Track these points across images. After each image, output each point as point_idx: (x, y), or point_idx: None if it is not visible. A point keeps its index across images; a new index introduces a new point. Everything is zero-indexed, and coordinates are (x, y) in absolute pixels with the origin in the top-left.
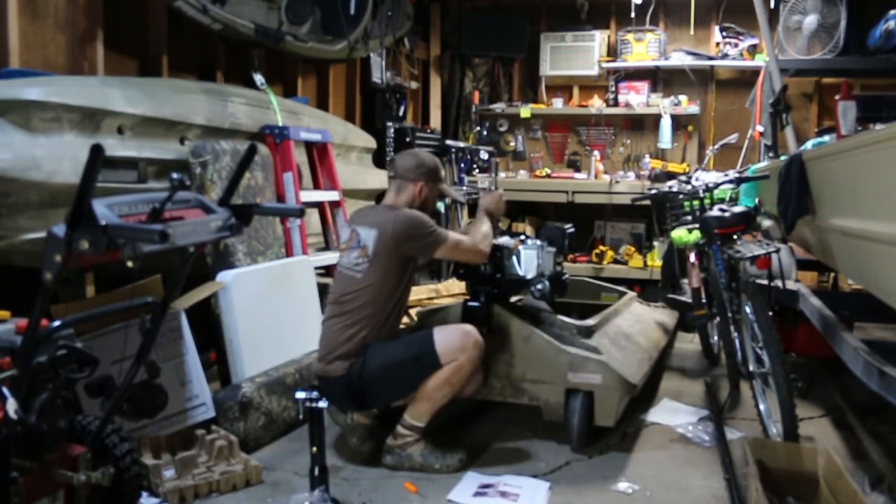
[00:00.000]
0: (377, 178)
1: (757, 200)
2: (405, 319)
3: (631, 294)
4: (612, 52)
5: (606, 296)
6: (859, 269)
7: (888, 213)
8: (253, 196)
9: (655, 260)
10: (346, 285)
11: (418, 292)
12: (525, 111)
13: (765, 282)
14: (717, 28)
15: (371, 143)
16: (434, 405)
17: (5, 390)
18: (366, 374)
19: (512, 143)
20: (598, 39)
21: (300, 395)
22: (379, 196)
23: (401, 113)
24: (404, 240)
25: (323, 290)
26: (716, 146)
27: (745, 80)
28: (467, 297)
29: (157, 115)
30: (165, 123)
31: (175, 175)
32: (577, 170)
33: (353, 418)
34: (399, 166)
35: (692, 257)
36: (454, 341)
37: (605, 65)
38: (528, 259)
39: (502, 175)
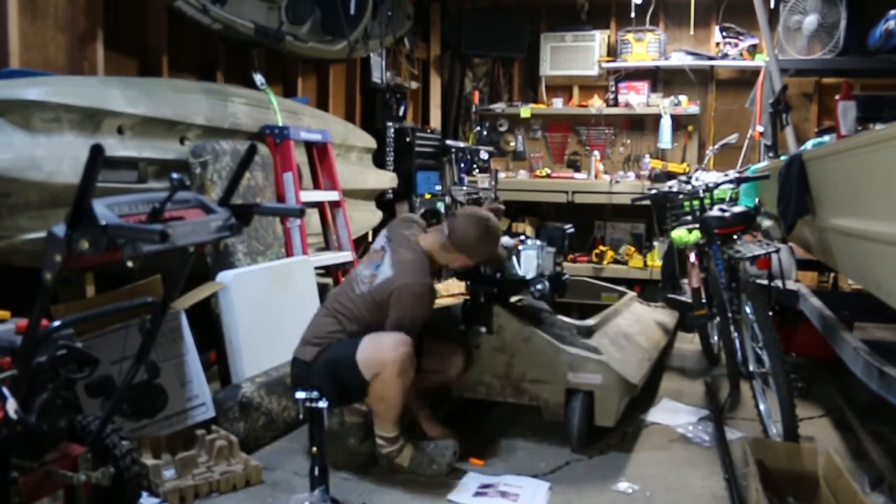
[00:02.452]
0: (377, 179)
1: (757, 200)
2: None
3: (631, 294)
4: (612, 52)
5: (606, 296)
6: (859, 269)
7: (888, 213)
8: (253, 196)
9: (655, 260)
10: (346, 292)
11: None
12: (525, 111)
13: (765, 282)
14: (717, 28)
15: (371, 143)
16: (385, 416)
17: (5, 390)
18: (316, 365)
19: (512, 143)
20: (598, 39)
21: (300, 395)
22: (379, 197)
23: (401, 113)
24: (392, 301)
25: (323, 290)
26: (716, 146)
27: (745, 80)
28: (467, 298)
29: (157, 115)
30: (165, 123)
31: (175, 175)
32: (577, 170)
33: (345, 420)
34: (459, 232)
35: (692, 257)
36: (374, 354)
37: (605, 65)
38: (528, 259)
39: (502, 175)
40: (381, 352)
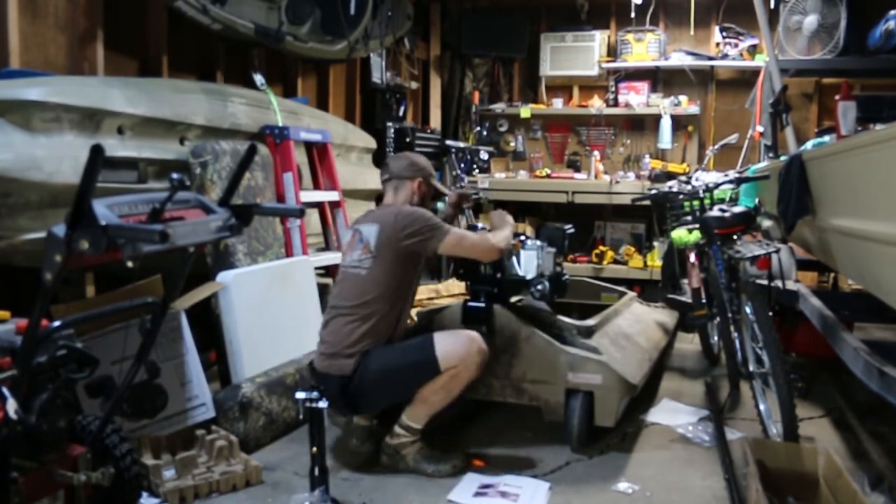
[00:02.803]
0: (377, 179)
1: (757, 200)
2: None
3: (631, 294)
4: (612, 52)
5: (606, 296)
6: (859, 269)
7: (888, 213)
8: (253, 196)
9: (655, 260)
10: (351, 284)
11: (418, 292)
12: (525, 111)
13: (765, 282)
14: (717, 28)
15: (371, 143)
16: (431, 408)
17: (5, 390)
18: (366, 378)
19: (512, 143)
20: (598, 39)
21: (300, 395)
22: (378, 197)
23: (401, 113)
24: (407, 233)
25: (323, 290)
26: (716, 146)
27: (745, 80)
28: (467, 298)
29: (157, 115)
30: (165, 123)
31: (175, 175)
32: (577, 170)
33: (353, 419)
34: (393, 167)
35: (692, 257)
36: (457, 349)
37: (605, 65)
38: (528, 259)
39: (502, 175)
40: (463, 345)
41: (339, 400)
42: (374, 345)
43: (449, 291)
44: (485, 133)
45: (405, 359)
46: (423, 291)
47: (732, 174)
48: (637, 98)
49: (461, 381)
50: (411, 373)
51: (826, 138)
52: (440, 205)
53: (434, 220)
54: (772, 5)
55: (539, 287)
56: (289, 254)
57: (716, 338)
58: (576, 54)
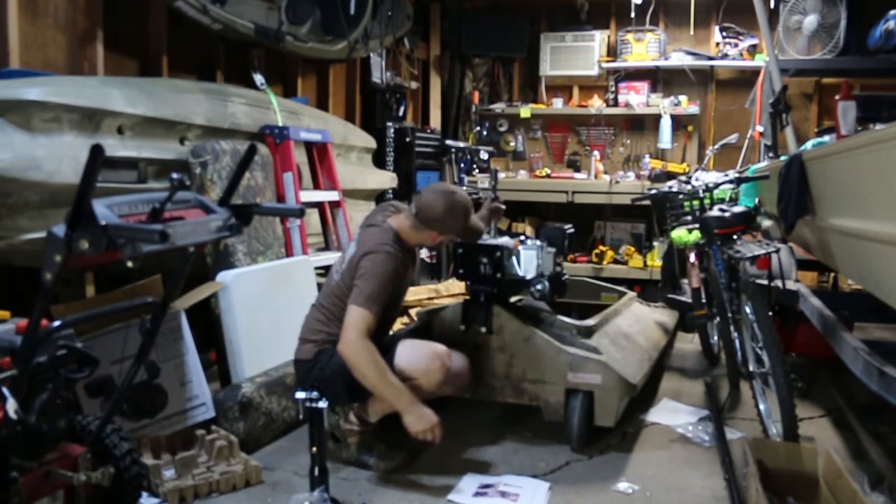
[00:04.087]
0: (377, 178)
1: (757, 200)
2: (405, 319)
3: (631, 294)
4: (612, 52)
5: (606, 296)
6: (859, 269)
7: (888, 213)
8: (253, 196)
9: (655, 260)
10: (329, 286)
11: (418, 292)
12: (525, 111)
13: (765, 282)
14: (717, 28)
15: (371, 143)
16: (385, 409)
17: (5, 390)
18: (327, 369)
19: (512, 143)
20: (598, 39)
21: (300, 395)
22: (379, 197)
23: (401, 113)
24: (357, 271)
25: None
26: (716, 146)
27: (745, 80)
28: (467, 298)
29: (157, 115)
30: (165, 123)
31: (175, 175)
32: (577, 170)
33: (346, 440)
34: (425, 209)
35: (692, 257)
36: (419, 361)
37: (605, 65)
38: (528, 259)
39: (502, 175)
40: (425, 359)
41: (304, 381)
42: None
43: (449, 291)
44: (485, 133)
45: None
46: (423, 291)
47: (732, 174)
48: (637, 98)
49: (419, 394)
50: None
51: (826, 138)
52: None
53: (372, 287)
54: (772, 5)
55: (539, 287)
56: (289, 254)
57: (716, 338)
58: (576, 54)
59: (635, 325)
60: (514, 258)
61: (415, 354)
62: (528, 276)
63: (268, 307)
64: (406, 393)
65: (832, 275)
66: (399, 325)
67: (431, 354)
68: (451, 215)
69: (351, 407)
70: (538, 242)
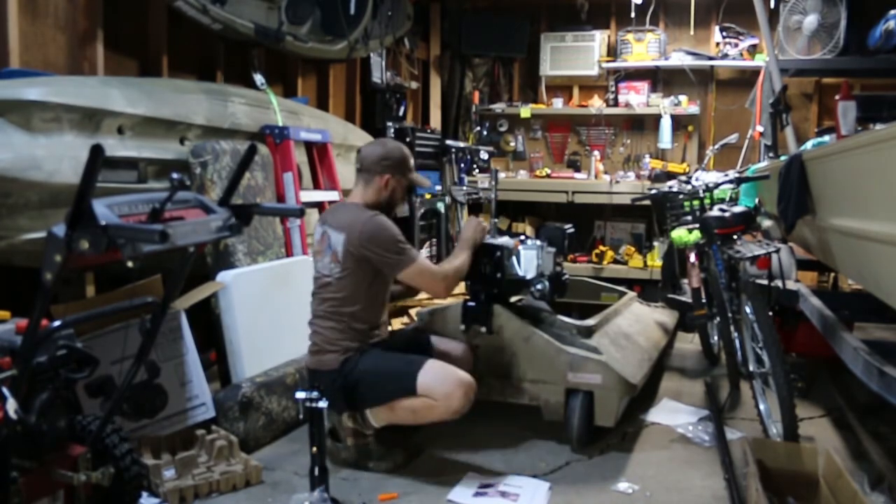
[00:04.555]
0: None
1: (757, 200)
2: (405, 319)
3: (631, 294)
4: (612, 52)
5: (606, 296)
6: (859, 269)
7: (888, 213)
8: (253, 196)
9: (655, 260)
10: (326, 292)
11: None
12: (525, 111)
13: (765, 282)
14: (717, 28)
15: None
16: (393, 418)
17: (5, 390)
18: (356, 373)
19: (512, 143)
20: (598, 39)
21: (300, 395)
22: None
23: (401, 113)
24: (369, 249)
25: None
26: (716, 146)
27: (745, 80)
28: (467, 297)
29: (157, 115)
30: (165, 123)
31: (175, 175)
32: (577, 170)
33: (347, 444)
34: (364, 158)
35: (692, 257)
36: (441, 385)
37: (605, 65)
38: (528, 259)
39: (502, 175)
40: (448, 385)
41: (332, 392)
42: (356, 341)
43: None
44: (485, 133)
45: (394, 366)
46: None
47: (732, 174)
48: (637, 98)
49: (433, 414)
50: (392, 380)
51: (826, 138)
52: (441, 205)
53: (399, 243)
54: (772, 5)
55: (539, 287)
56: (289, 254)
57: (716, 338)
58: (576, 54)
59: (635, 325)
60: (514, 258)
61: (440, 377)
62: (528, 276)
63: (268, 307)
64: (465, 247)
65: (832, 275)
66: (399, 324)
67: (456, 381)
68: (389, 151)
69: (356, 410)
70: (538, 242)
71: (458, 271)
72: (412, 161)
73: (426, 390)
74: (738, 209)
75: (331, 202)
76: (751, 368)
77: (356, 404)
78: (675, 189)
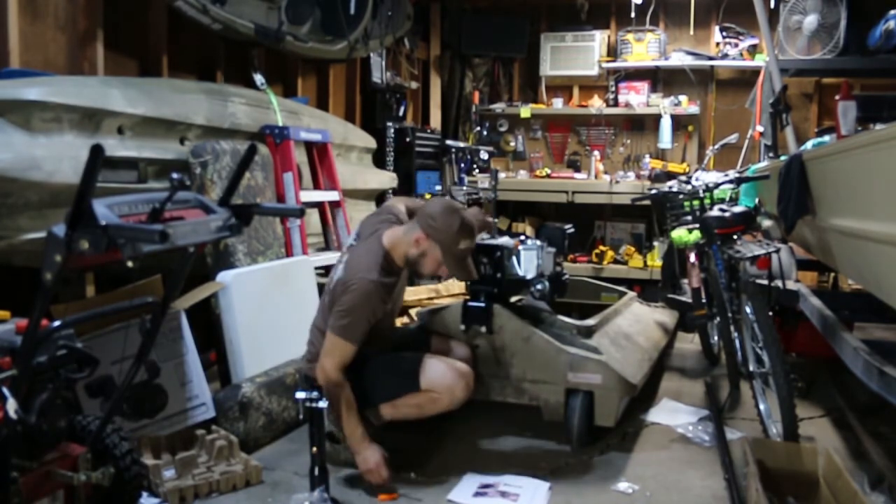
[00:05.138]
0: (377, 178)
1: (757, 200)
2: (405, 319)
3: (631, 294)
4: (612, 52)
5: (606, 296)
6: (859, 269)
7: (888, 213)
8: (253, 196)
9: (655, 260)
10: (324, 302)
11: (418, 292)
12: (525, 111)
13: (765, 282)
14: (717, 28)
15: (371, 143)
16: (396, 414)
17: (5, 390)
18: (355, 377)
19: (512, 143)
20: (598, 39)
21: (300, 395)
22: (379, 198)
23: (401, 113)
24: (339, 299)
25: (323, 290)
26: (716, 146)
27: (745, 80)
28: (467, 297)
29: (157, 115)
30: (165, 123)
31: (175, 175)
32: (577, 170)
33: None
34: (425, 205)
35: (692, 257)
36: (443, 379)
37: (605, 65)
38: (528, 259)
39: (502, 175)
40: (449, 378)
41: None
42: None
43: (449, 291)
44: (485, 133)
45: (396, 365)
46: (423, 291)
47: (732, 174)
48: (637, 98)
49: (437, 407)
50: (392, 382)
51: (826, 138)
52: None
53: (347, 316)
54: (772, 5)
55: (539, 287)
56: (289, 254)
57: (716, 338)
58: (576, 54)
59: (635, 325)
60: (514, 258)
61: (441, 372)
62: (528, 276)
63: (268, 307)
64: (358, 435)
65: (832, 275)
66: (399, 324)
67: (457, 374)
68: (464, 236)
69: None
70: (538, 242)
71: (337, 406)
72: (466, 245)
73: (429, 386)
74: (738, 209)
75: (331, 202)
76: (751, 368)
77: (358, 405)
78: (675, 189)
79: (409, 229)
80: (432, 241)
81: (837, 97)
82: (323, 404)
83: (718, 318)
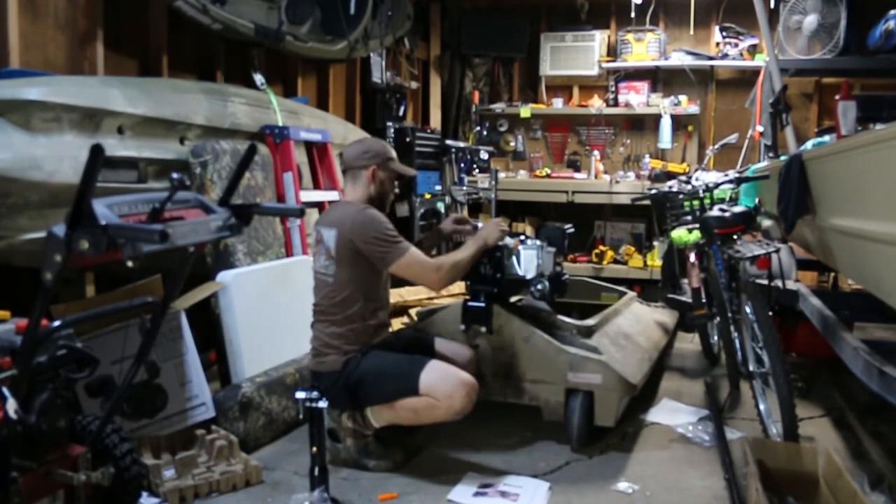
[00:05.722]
0: None
1: (757, 200)
2: (405, 319)
3: (631, 294)
4: (612, 52)
5: (606, 296)
6: (859, 269)
7: (888, 213)
8: (253, 196)
9: (655, 260)
10: (323, 290)
11: (418, 292)
12: (525, 111)
13: (765, 282)
14: (717, 28)
15: None
16: (394, 418)
17: (5, 390)
18: (358, 372)
19: (512, 143)
20: (598, 39)
21: (300, 395)
22: None
23: (401, 113)
24: (359, 241)
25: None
26: (716, 146)
27: (745, 80)
28: (467, 297)
29: (157, 115)
30: (165, 123)
31: (175, 175)
32: (577, 170)
33: (347, 444)
34: (347, 157)
35: (692, 257)
36: (443, 385)
37: (605, 65)
38: (528, 259)
39: (502, 175)
40: (449, 386)
41: (334, 392)
42: (357, 343)
43: (449, 291)
44: (485, 133)
45: (397, 365)
46: (423, 291)
47: (732, 174)
48: (637, 98)
49: (434, 414)
50: (392, 381)
51: (826, 138)
52: (441, 205)
53: (390, 233)
54: (772, 5)
55: (539, 287)
56: (289, 253)
57: (716, 338)
58: (576, 54)
59: (635, 325)
60: (514, 258)
61: (442, 377)
62: (528, 276)
63: (268, 307)
64: (468, 248)
65: (832, 275)
66: (399, 324)
67: (459, 381)
68: (370, 145)
69: (357, 410)
70: (538, 242)
71: (457, 265)
72: (394, 152)
73: (428, 390)
74: (738, 209)
75: (331, 202)
76: (751, 368)
77: (358, 403)
78: (675, 189)
79: (354, 180)
80: (375, 167)
81: (837, 97)
82: (323, 404)
83: (718, 318)
